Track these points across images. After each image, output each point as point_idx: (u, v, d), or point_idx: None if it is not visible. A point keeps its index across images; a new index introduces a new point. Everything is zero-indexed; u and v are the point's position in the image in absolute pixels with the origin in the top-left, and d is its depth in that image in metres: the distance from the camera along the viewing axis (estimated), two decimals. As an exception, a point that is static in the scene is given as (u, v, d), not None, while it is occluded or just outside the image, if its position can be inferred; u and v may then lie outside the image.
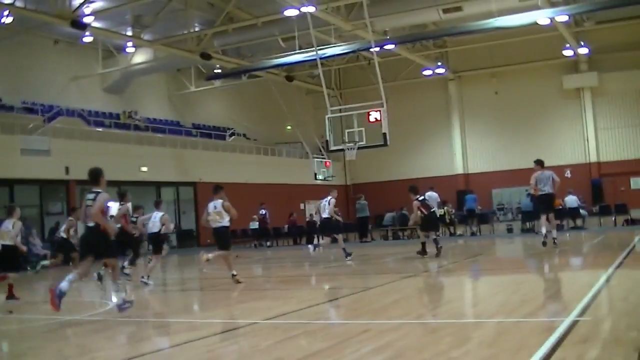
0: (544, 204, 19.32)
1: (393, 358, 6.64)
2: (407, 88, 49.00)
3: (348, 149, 24.93)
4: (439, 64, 45.71)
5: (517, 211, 40.81)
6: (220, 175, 39.83)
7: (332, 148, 25.89)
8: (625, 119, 45.26)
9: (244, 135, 47.08)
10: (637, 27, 42.94)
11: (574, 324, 7.65)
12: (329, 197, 20.99)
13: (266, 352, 7.46)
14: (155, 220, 17.09)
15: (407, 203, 27.16)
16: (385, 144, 24.26)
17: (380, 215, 36.11)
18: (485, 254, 21.49)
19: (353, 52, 37.76)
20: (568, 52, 42.59)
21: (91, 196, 11.05)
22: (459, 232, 32.77)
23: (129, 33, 34.17)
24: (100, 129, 35.82)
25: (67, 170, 31.60)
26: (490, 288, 12.97)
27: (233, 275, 15.61)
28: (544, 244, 18.75)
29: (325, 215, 20.90)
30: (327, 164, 38.99)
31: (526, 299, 10.23)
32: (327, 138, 25.41)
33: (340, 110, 28.46)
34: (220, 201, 15.56)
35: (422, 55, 44.34)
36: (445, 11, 32.16)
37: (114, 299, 12.06)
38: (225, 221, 15.50)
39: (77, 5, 29.00)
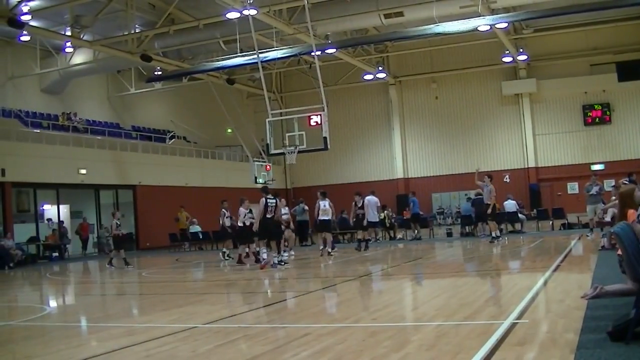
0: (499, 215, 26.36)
1: (333, 361, 6.66)
2: (348, 92, 49.21)
3: (288, 152, 24.85)
4: (380, 68, 45.78)
5: (457, 215, 41.16)
6: (160, 178, 39.50)
7: (273, 151, 25.73)
8: (562, 125, 45.97)
9: (184, 138, 46.65)
10: (575, 35, 43.90)
11: (512, 326, 7.76)
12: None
13: (206, 356, 7.41)
14: None
15: (348, 207, 27.64)
16: (325, 148, 24.20)
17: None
18: (424, 258, 21.62)
19: (294, 55, 37.62)
20: (507, 59, 43.17)
21: (273, 201, 19.28)
22: (399, 236, 32.95)
23: (68, 33, 33.47)
24: (37, 130, 34.99)
25: (2, 172, 30.93)
26: (430, 291, 13.04)
27: (329, 253, 22.64)
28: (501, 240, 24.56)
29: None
30: (268, 167, 38.85)
31: (465, 302, 10.32)
32: (268, 141, 25.24)
33: (281, 114, 28.45)
34: (327, 201, 23.10)
35: (363, 60, 44.45)
36: (386, 16, 32.28)
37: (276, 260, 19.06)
38: (330, 215, 23.16)
39: (15, 3, 28.46)
